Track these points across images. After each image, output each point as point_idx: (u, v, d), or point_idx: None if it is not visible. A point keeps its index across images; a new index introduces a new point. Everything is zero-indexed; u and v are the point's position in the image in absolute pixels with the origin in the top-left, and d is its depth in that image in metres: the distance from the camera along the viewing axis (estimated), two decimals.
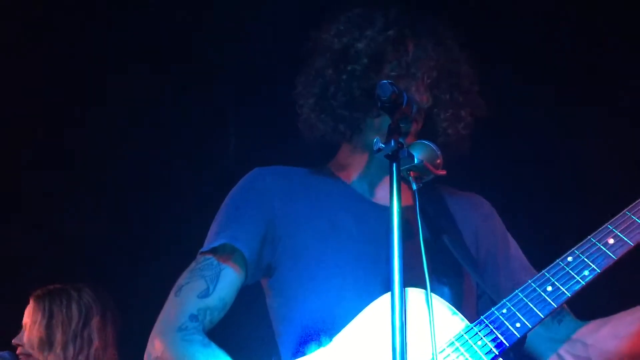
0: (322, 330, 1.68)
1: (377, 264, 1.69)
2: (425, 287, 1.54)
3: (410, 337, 1.47)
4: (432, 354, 1.49)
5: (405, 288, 1.49)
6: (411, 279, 1.48)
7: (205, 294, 1.71)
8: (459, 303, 1.71)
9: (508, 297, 1.62)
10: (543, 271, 1.64)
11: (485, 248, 1.92)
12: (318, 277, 1.73)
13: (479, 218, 1.96)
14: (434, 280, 1.56)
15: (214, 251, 1.77)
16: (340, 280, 1.72)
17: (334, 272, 1.73)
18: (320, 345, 1.66)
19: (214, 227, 1.84)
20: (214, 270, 1.74)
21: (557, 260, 1.64)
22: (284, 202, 1.82)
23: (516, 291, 1.62)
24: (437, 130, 1.87)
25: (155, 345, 1.68)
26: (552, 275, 1.61)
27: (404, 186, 1.50)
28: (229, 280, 1.74)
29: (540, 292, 1.60)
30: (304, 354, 1.68)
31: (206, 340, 1.67)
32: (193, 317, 1.68)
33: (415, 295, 1.59)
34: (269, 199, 1.83)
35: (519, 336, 1.57)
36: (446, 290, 1.73)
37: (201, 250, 1.80)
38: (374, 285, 1.66)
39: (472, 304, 1.81)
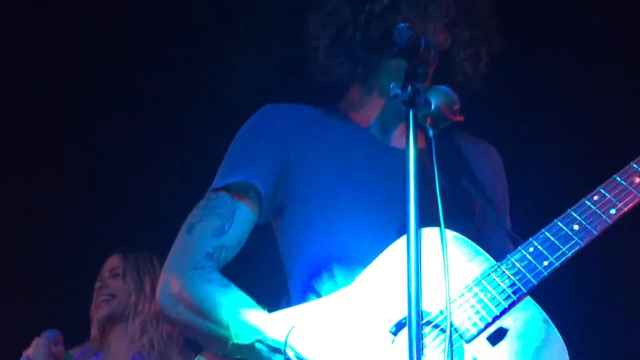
0: (335, 272, 1.67)
1: (392, 206, 1.66)
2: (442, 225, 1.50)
3: (432, 280, 1.48)
4: (447, 299, 1.46)
5: (424, 228, 1.49)
6: (427, 222, 1.46)
7: (221, 232, 1.66)
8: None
9: (534, 236, 1.61)
10: (569, 210, 1.62)
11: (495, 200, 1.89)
12: (332, 217, 1.71)
13: (491, 170, 1.94)
14: (451, 224, 1.53)
15: (227, 188, 1.72)
16: (354, 222, 1.70)
17: (348, 214, 1.71)
18: (334, 286, 1.65)
19: (225, 165, 1.79)
20: (228, 208, 1.69)
21: (583, 199, 1.62)
22: (297, 140, 1.79)
23: (542, 230, 1.60)
24: (456, 70, 1.83)
25: (172, 283, 1.62)
26: (579, 214, 1.59)
27: (420, 131, 1.47)
28: (244, 218, 1.70)
29: (567, 231, 1.58)
30: (317, 294, 1.67)
31: (225, 280, 1.63)
32: (209, 256, 1.64)
33: (437, 235, 1.55)
34: (283, 136, 1.78)
35: (545, 274, 1.56)
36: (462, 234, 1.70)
37: (212, 187, 1.76)
38: (389, 228, 1.64)
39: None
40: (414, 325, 1.30)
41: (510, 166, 2.01)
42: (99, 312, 3.11)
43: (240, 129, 1.84)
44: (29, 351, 2.71)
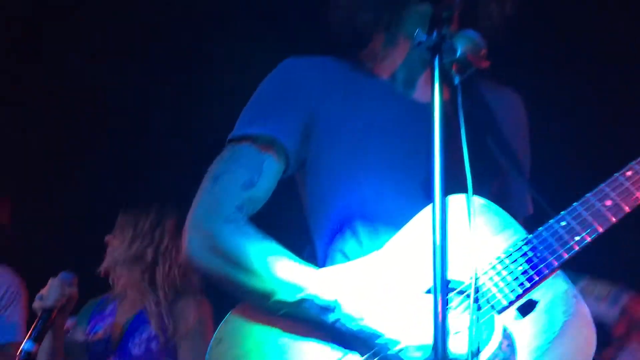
0: (359, 230, 1.66)
1: (416, 163, 1.63)
2: (470, 193, 1.48)
3: (465, 249, 1.49)
4: (473, 267, 1.47)
5: (454, 195, 1.52)
6: (453, 182, 1.42)
7: (250, 185, 1.61)
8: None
9: (567, 210, 1.58)
10: (601, 185, 1.59)
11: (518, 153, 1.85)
12: (357, 175, 1.68)
13: (515, 122, 1.89)
14: (477, 184, 1.49)
15: (252, 139, 1.67)
16: (378, 180, 1.67)
17: (372, 171, 1.68)
18: (357, 245, 1.65)
19: (247, 115, 1.73)
20: (255, 160, 1.64)
21: (616, 175, 1.59)
22: (321, 95, 1.74)
23: (574, 205, 1.58)
24: (480, 15, 1.77)
25: (204, 236, 1.56)
26: (612, 190, 1.56)
27: (444, 83, 1.42)
28: (272, 171, 1.66)
29: (599, 207, 1.55)
30: (342, 253, 1.67)
31: (261, 233, 1.57)
32: (239, 208, 1.58)
33: (466, 203, 1.53)
34: (307, 91, 1.74)
35: (577, 249, 1.54)
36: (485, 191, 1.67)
37: (234, 136, 1.70)
38: (413, 186, 1.62)
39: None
40: (439, 291, 1.28)
41: (533, 117, 1.95)
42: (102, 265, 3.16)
43: (263, 81, 1.79)
44: (44, 291, 2.72)
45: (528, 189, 1.78)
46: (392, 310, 1.47)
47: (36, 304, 2.65)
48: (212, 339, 1.51)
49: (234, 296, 1.57)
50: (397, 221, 1.59)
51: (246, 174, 1.62)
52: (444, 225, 1.30)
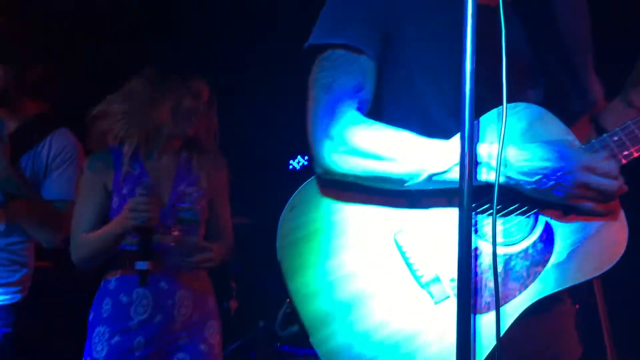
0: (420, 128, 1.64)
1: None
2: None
3: None
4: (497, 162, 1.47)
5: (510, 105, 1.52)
6: (515, 82, 1.44)
7: (360, 88, 1.64)
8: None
9: (620, 127, 1.59)
10: None
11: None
12: (420, 84, 1.66)
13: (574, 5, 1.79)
14: (533, 84, 1.54)
15: (344, 47, 1.64)
16: (438, 86, 1.65)
17: (435, 78, 1.65)
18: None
19: (326, 23, 1.69)
20: (356, 65, 1.65)
21: None
22: (393, 5, 1.67)
23: (628, 122, 1.59)
24: None
25: (336, 142, 1.59)
26: None
27: None
28: (372, 71, 1.66)
29: None
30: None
31: (386, 125, 1.61)
32: (359, 111, 1.63)
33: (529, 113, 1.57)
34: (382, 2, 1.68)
35: (624, 162, 1.58)
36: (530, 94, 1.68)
37: (324, 41, 1.67)
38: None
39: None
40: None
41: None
42: None
43: None
44: (129, 211, 2.64)
45: (581, 89, 1.77)
46: None
47: (129, 223, 2.60)
48: (287, 205, 1.62)
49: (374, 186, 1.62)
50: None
51: (353, 79, 1.64)
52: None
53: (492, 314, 1.50)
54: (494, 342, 1.48)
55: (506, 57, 1.39)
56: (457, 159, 1.39)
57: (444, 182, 1.55)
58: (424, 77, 1.66)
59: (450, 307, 1.51)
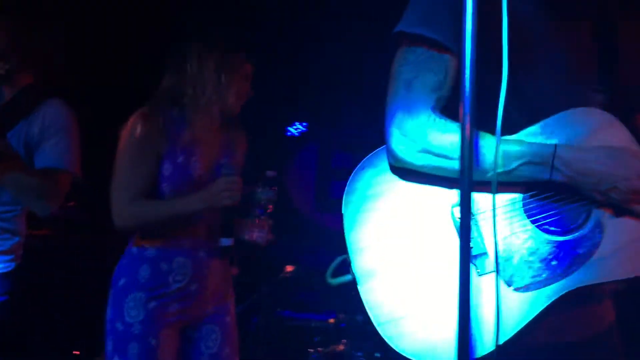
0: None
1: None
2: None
3: None
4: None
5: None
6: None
7: (439, 87, 1.70)
8: None
9: None
10: None
11: None
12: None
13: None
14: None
15: (429, 42, 1.69)
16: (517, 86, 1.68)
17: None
18: None
19: (418, 11, 1.71)
20: (439, 62, 1.70)
21: None
22: None
23: None
24: None
25: (411, 139, 1.67)
26: None
27: None
28: (453, 69, 1.70)
29: None
30: None
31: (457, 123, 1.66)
32: (433, 109, 1.69)
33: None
34: None
35: None
36: None
37: (409, 32, 1.70)
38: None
39: None
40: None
41: None
42: None
43: None
44: (216, 191, 2.67)
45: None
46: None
47: (223, 202, 2.63)
48: (360, 164, 1.75)
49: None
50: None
51: (434, 76, 1.70)
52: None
53: (528, 294, 1.61)
54: (524, 322, 1.59)
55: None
56: (522, 159, 1.59)
57: (510, 178, 1.66)
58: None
59: (491, 283, 1.62)
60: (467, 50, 1.33)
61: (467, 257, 1.32)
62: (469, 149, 1.33)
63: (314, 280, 4.38)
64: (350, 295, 1.70)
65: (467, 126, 1.32)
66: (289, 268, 4.45)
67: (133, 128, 2.70)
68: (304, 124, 5.99)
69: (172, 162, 2.70)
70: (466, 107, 1.33)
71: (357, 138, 5.75)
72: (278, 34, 4.88)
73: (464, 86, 1.33)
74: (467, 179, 1.32)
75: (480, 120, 1.43)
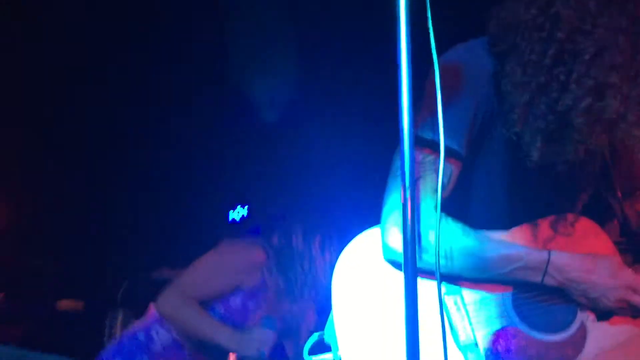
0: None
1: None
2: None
3: None
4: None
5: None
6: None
7: (441, 189, 1.67)
8: None
9: None
10: None
11: None
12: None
13: None
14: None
15: (436, 148, 1.67)
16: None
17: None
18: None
19: (427, 116, 1.70)
20: (443, 167, 1.66)
21: None
22: (485, 96, 1.74)
23: None
24: None
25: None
26: None
27: None
28: (454, 174, 1.74)
29: None
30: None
31: (459, 224, 1.71)
32: (434, 208, 1.69)
33: None
34: (478, 92, 1.74)
35: None
36: None
37: (423, 136, 1.70)
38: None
39: None
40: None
41: None
42: None
43: (441, 69, 1.59)
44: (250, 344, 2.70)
45: None
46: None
47: (248, 352, 2.63)
48: (344, 255, 1.73)
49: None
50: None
51: (436, 179, 1.65)
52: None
53: None
54: None
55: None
56: (517, 263, 1.66)
57: (503, 279, 1.71)
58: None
59: None
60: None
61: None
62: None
63: None
64: None
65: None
66: None
67: (239, 252, 2.79)
68: (247, 207, 5.97)
69: (242, 300, 2.75)
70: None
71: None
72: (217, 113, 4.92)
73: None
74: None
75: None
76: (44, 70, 3.90)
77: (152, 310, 2.79)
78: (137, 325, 2.80)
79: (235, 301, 2.75)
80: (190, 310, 2.67)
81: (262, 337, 2.63)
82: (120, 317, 4.62)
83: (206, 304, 2.73)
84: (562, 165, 1.70)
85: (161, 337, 2.73)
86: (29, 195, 4.56)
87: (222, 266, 2.76)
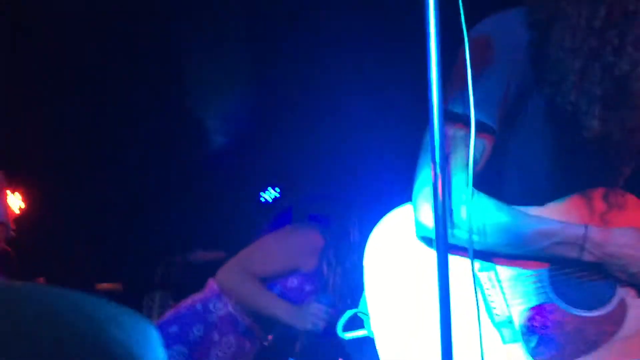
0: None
1: None
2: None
3: None
4: None
5: None
6: None
7: (473, 164, 1.63)
8: None
9: None
10: None
11: None
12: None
13: None
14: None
15: (468, 123, 1.62)
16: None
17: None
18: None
19: (457, 92, 1.66)
20: (475, 142, 1.62)
21: None
22: (520, 70, 1.69)
23: None
24: None
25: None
26: None
27: None
28: (487, 149, 1.69)
29: None
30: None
31: (490, 199, 1.66)
32: (466, 184, 1.65)
33: None
34: (511, 66, 1.68)
35: None
36: None
37: (455, 110, 1.65)
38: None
39: None
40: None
41: None
42: None
43: (472, 42, 1.56)
44: (309, 317, 2.77)
45: None
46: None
47: (304, 325, 2.71)
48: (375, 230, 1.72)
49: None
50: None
51: (468, 154, 1.62)
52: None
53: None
54: None
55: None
56: (554, 238, 1.61)
57: (540, 255, 1.67)
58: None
59: (516, 353, 1.60)
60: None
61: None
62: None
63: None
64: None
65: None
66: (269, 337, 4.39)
67: (300, 235, 2.86)
68: (278, 189, 6.00)
69: (299, 282, 2.83)
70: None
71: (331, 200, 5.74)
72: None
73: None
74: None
75: None
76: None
77: (211, 284, 2.88)
78: (196, 296, 2.88)
79: (293, 282, 2.83)
80: (250, 285, 2.77)
81: (318, 313, 2.69)
82: (157, 298, 4.72)
83: (264, 282, 2.82)
84: (618, 134, 1.63)
85: (218, 309, 2.82)
86: (65, 182, 4.66)
87: (283, 247, 2.84)
